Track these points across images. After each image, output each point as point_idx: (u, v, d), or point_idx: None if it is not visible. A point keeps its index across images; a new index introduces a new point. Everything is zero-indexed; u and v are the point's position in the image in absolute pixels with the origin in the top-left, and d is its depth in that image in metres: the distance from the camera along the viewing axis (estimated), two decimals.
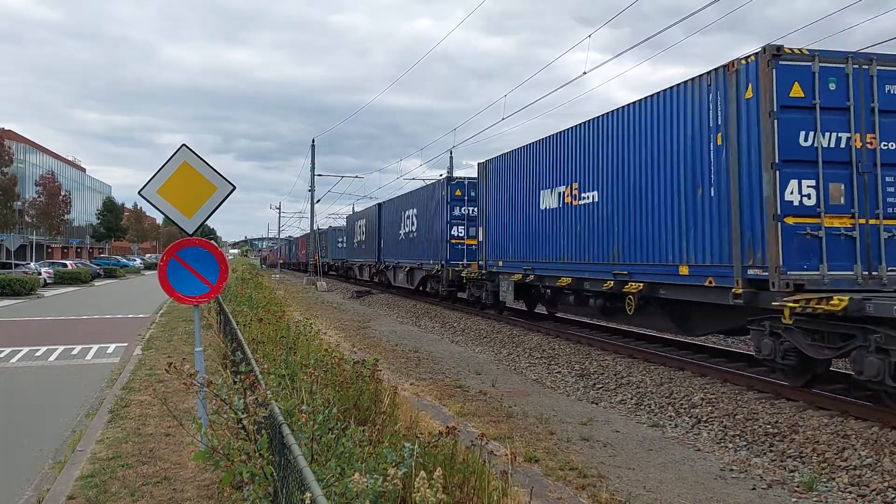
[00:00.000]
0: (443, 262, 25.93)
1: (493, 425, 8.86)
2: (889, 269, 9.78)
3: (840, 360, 10.60)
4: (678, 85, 11.88)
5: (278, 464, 3.58)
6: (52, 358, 14.04)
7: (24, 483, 6.49)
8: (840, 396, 9.43)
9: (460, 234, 25.61)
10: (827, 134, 9.78)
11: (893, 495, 6.54)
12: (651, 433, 8.98)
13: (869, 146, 9.89)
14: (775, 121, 9.65)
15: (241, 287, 18.91)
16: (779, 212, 9.56)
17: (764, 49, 9.83)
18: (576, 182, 15.67)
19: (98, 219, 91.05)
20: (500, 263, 20.36)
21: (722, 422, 9.21)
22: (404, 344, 17.14)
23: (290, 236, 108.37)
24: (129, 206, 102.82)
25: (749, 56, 10.21)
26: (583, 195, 15.38)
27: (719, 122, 10.77)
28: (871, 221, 9.80)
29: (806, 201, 9.69)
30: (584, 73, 17.65)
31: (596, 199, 14.76)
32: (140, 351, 14.05)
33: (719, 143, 10.78)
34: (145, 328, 18.69)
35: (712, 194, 10.99)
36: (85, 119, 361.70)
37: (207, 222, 8.27)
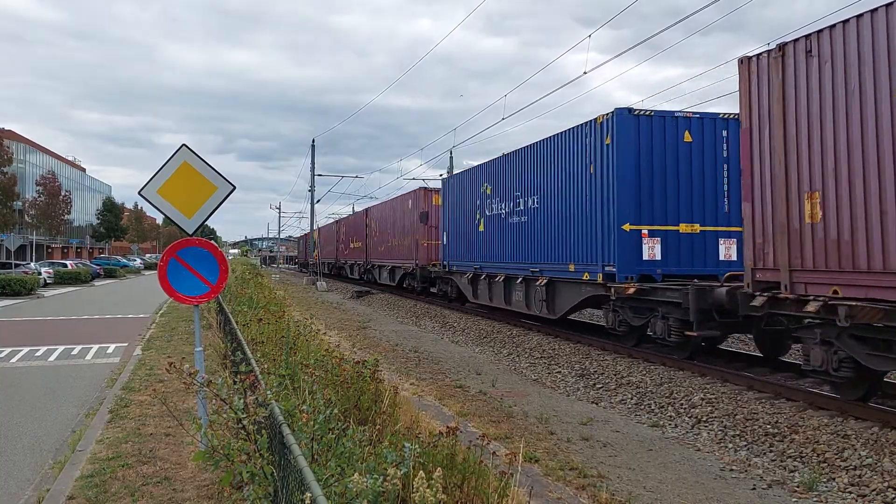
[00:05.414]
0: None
1: (493, 425, 8.86)
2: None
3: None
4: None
5: (278, 464, 3.58)
6: (52, 358, 14.04)
7: (24, 483, 6.49)
8: (838, 397, 9.44)
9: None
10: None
11: (893, 495, 6.53)
12: (651, 433, 8.99)
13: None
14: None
15: (241, 287, 18.89)
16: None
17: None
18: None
19: (98, 219, 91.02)
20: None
21: (722, 422, 9.21)
22: (404, 344, 17.15)
23: (289, 236, 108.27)
24: (129, 206, 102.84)
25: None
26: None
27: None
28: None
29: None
30: (584, 73, 17.67)
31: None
32: (140, 351, 14.05)
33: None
34: (145, 328, 18.69)
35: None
36: (86, 119, 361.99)
37: (207, 222, 8.27)
